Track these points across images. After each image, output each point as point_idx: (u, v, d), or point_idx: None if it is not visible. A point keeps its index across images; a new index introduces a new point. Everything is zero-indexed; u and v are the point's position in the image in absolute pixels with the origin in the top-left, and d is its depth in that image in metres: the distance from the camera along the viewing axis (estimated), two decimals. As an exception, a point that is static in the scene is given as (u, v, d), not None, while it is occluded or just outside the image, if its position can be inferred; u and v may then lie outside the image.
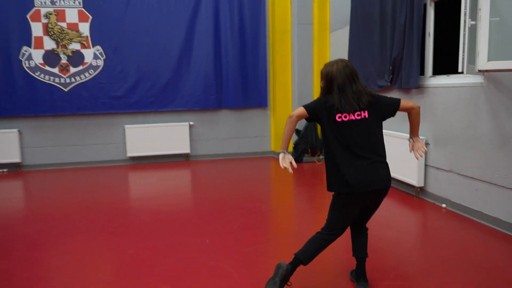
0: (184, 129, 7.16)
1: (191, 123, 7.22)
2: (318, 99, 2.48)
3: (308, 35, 6.99)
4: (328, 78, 2.43)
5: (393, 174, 4.66)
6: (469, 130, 3.89)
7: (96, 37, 6.74)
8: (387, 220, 3.96)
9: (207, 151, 7.41)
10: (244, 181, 5.78)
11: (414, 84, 4.50)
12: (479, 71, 2.88)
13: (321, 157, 6.93)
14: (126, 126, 6.96)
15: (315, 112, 2.41)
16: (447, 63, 4.86)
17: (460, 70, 3.09)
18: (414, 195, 4.66)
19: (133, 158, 7.10)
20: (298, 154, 6.91)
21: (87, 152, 6.97)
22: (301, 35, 6.95)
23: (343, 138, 2.37)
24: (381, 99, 2.47)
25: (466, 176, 3.96)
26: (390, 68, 4.89)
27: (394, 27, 4.83)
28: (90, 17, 6.67)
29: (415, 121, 2.66)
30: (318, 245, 2.49)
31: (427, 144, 4.47)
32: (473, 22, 2.99)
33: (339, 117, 2.36)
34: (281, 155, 2.52)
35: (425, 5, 4.47)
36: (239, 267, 2.96)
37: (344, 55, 6.46)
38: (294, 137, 7.18)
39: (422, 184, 4.53)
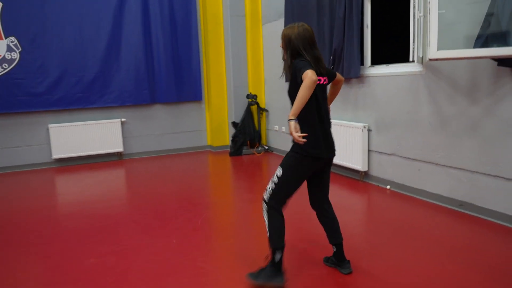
0: (116, 126, 6.75)
1: (123, 119, 6.83)
2: (303, 61, 2.32)
3: (241, 27, 6.99)
4: (292, 40, 2.39)
5: (338, 160, 4.92)
6: (410, 115, 4.20)
7: (9, 26, 6.03)
8: (335, 204, 4.13)
9: (141, 149, 7.08)
10: (186, 177, 5.60)
11: (355, 74, 4.73)
12: (430, 59, 3.12)
13: (259, 148, 7.01)
14: (50, 125, 6.35)
15: None
16: (384, 53, 5.19)
17: (411, 59, 3.32)
18: (359, 179, 4.93)
19: (60, 160, 6.52)
20: (237, 147, 6.90)
21: (6, 156, 6.25)
22: (234, 26, 6.92)
23: (316, 101, 2.41)
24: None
25: (408, 158, 4.28)
26: (331, 58, 5.08)
27: (333, 19, 5.02)
28: (0, 3, 5.94)
29: (336, 92, 2.78)
30: (279, 223, 2.45)
31: (369, 130, 4.75)
32: (421, 14, 3.22)
33: (318, 80, 2.38)
34: (293, 123, 2.19)
35: (362, -1, 4.71)
36: (217, 264, 2.88)
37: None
38: (232, 130, 7.17)
39: (366, 169, 4.80)
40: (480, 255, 2.85)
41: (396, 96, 4.36)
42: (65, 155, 6.46)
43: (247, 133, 6.96)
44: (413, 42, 3.25)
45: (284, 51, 2.48)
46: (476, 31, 3.11)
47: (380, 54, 5.06)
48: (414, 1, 3.19)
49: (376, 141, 4.70)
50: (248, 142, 6.99)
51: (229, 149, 7.34)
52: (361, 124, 4.73)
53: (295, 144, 2.38)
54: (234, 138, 6.96)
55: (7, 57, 6.05)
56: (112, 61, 6.64)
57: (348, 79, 5.01)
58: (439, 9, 2.99)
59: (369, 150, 4.80)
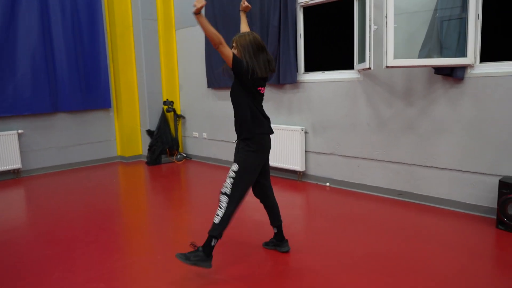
0: (12, 139, 5.80)
1: (19, 131, 5.91)
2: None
3: (153, 31, 6.72)
4: (244, 46, 2.70)
5: (275, 163, 5.14)
6: (348, 118, 4.65)
7: None
8: (282, 201, 4.38)
9: (42, 164, 6.22)
10: (97, 195, 5.03)
11: (292, 80, 5.01)
12: (387, 67, 3.54)
13: (179, 156, 6.82)
14: None
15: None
16: (316, 61, 5.60)
17: (367, 66, 3.70)
18: (297, 180, 5.22)
19: None
20: (155, 156, 6.59)
21: None
22: (146, 31, 6.62)
23: (252, 104, 2.80)
24: None
25: (347, 156, 4.72)
26: (264, 65, 5.27)
27: (265, 27, 5.23)
28: None
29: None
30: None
31: (306, 133, 5.08)
32: (375, 27, 3.64)
33: (259, 89, 2.78)
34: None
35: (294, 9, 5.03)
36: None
37: (193, 53, 6.56)
38: (145, 138, 6.84)
39: (304, 169, 5.12)
40: (418, 231, 3.41)
41: (333, 101, 4.77)
42: None
43: (165, 141, 6.70)
44: (369, 51, 3.66)
45: (239, 55, 2.72)
46: (418, 44, 3.65)
47: (312, 62, 5.44)
48: (369, 15, 3.59)
49: (313, 142, 5.05)
50: (168, 150, 6.73)
51: (143, 159, 6.96)
52: (299, 127, 5.03)
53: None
54: (151, 147, 6.63)
55: None
56: (4, 65, 5.70)
57: (281, 85, 5.28)
58: (394, 23, 3.43)
59: (306, 151, 5.12)
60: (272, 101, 5.42)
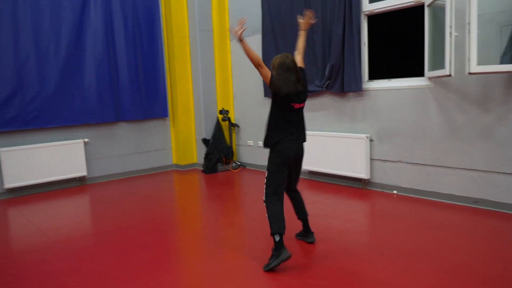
0: (78, 147, 6.03)
1: (85, 140, 6.13)
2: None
3: (209, 42, 6.88)
4: (273, 66, 3.08)
5: (339, 171, 5.16)
6: (417, 125, 4.64)
7: (-50, 33, 5.04)
8: (340, 213, 4.38)
9: (105, 172, 6.42)
10: (160, 204, 5.17)
11: (357, 88, 5.05)
12: (470, 73, 3.54)
13: (234, 164, 6.91)
14: (0, 149, 5.41)
15: None
16: (380, 69, 5.64)
17: (448, 73, 3.71)
18: (362, 187, 5.22)
19: (13, 190, 5.58)
20: (212, 165, 6.71)
21: None
22: (202, 41, 6.79)
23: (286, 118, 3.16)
24: None
25: (416, 163, 4.70)
26: (326, 74, 5.33)
27: (327, 37, 5.30)
28: None
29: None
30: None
31: (371, 140, 5.09)
32: (456, 34, 3.65)
33: (292, 105, 3.10)
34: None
35: (358, 19, 5.07)
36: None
37: (248, 63, 6.62)
38: (200, 147, 6.97)
39: (368, 177, 5.11)
40: (502, 240, 3.32)
41: (400, 108, 4.77)
42: (19, 183, 5.55)
43: (221, 149, 6.82)
44: (450, 57, 3.66)
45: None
46: (494, 49, 3.63)
47: (375, 70, 5.47)
48: (450, 21, 3.60)
49: (378, 150, 5.04)
50: (223, 158, 6.84)
51: (197, 167, 7.09)
52: (363, 135, 5.04)
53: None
54: (208, 155, 6.76)
55: None
56: (72, 75, 5.96)
57: (344, 94, 5.31)
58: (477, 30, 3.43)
59: (371, 159, 5.12)
60: (334, 109, 5.46)
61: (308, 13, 3.39)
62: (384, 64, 6.21)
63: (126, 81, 6.47)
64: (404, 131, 4.78)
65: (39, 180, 5.69)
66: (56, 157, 5.82)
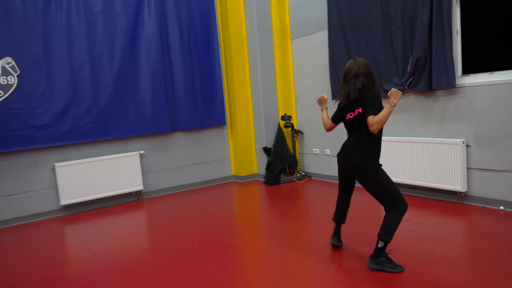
0: (134, 160, 5.68)
1: (141, 152, 5.78)
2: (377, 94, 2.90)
3: (268, 43, 6.33)
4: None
5: (428, 183, 4.39)
6: (532, 126, 3.77)
7: (4, 44, 4.84)
8: (432, 234, 3.57)
9: (161, 185, 6.03)
10: (222, 220, 4.69)
11: (450, 84, 4.26)
12: None
13: (299, 175, 6.28)
14: (56, 164, 5.16)
15: None
16: (480, 61, 4.76)
17: None
18: (457, 202, 4.40)
19: (69, 207, 5.31)
20: (274, 176, 6.12)
21: (1, 207, 4.93)
22: (261, 42, 6.25)
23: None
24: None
25: (532, 173, 3.83)
26: (409, 70, 4.58)
27: (410, 26, 4.56)
28: (-9, 16, 4.78)
29: None
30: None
31: (467, 146, 4.26)
32: None
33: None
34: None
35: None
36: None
37: (312, 63, 6.05)
38: (261, 156, 6.41)
39: (465, 189, 4.29)
40: None
41: (507, 106, 3.92)
42: (75, 200, 5.27)
43: (284, 158, 6.22)
44: None
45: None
46: None
47: (471, 62, 4.63)
48: None
49: (478, 157, 4.21)
50: (287, 169, 6.24)
51: (258, 178, 6.54)
52: (458, 140, 4.23)
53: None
54: (270, 165, 6.18)
55: (2, 82, 4.84)
56: (127, 84, 5.63)
57: (430, 92, 4.53)
58: None
59: (468, 168, 4.29)
60: (419, 110, 4.69)
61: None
62: (483, 54, 5.24)
63: (181, 89, 6.06)
64: (511, 134, 3.92)
65: (94, 196, 5.39)
66: (111, 171, 5.50)
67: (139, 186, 5.71)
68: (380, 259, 2.84)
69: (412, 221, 3.92)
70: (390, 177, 2.93)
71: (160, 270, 3.24)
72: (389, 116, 2.76)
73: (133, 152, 5.68)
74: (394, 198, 2.81)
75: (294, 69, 6.45)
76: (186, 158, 6.25)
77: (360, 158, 2.90)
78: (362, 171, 2.91)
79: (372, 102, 2.79)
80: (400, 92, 2.77)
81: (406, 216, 4.04)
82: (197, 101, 6.20)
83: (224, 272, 3.12)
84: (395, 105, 2.76)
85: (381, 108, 2.80)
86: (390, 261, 2.85)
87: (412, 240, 3.41)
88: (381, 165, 2.96)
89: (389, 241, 2.84)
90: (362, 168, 2.90)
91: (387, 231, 2.82)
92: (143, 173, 5.81)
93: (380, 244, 2.85)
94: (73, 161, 5.26)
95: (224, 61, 6.47)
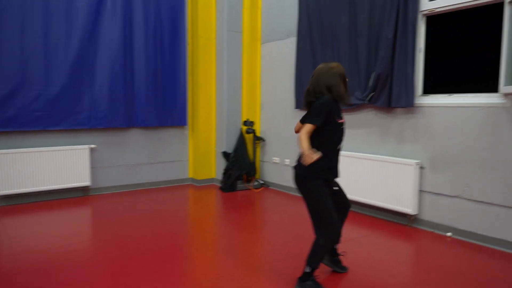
0: (83, 154, 5.39)
1: (92, 146, 5.50)
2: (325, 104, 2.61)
3: (237, 45, 6.14)
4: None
5: (380, 202, 4.27)
6: (486, 152, 3.67)
7: None
8: (377, 255, 3.43)
9: (112, 182, 5.75)
10: (173, 224, 4.49)
11: (408, 103, 4.14)
12: None
13: (256, 183, 6.09)
14: (-4, 151, 4.84)
15: None
16: (440, 81, 4.67)
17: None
18: (406, 224, 4.27)
19: (6, 197, 4.98)
20: (231, 181, 5.91)
21: None
22: (230, 43, 6.06)
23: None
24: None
25: (481, 201, 3.72)
26: (370, 84, 4.45)
27: (375, 40, 4.43)
28: None
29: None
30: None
31: (421, 167, 4.14)
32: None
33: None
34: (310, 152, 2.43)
35: (414, 20, 4.18)
36: None
37: (280, 70, 5.88)
38: (220, 160, 6.20)
39: (416, 212, 4.16)
40: None
41: (463, 130, 3.82)
42: (13, 190, 4.94)
43: (242, 165, 6.02)
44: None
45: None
46: None
47: (433, 82, 4.53)
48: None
49: (431, 180, 4.10)
50: (245, 176, 6.04)
51: (215, 183, 6.33)
52: (412, 161, 4.11)
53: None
54: (227, 171, 5.97)
55: None
56: (83, 74, 5.34)
57: (390, 109, 4.41)
58: None
59: (420, 191, 4.18)
60: (378, 127, 4.56)
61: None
62: (443, 75, 5.18)
63: (142, 84, 5.80)
64: (466, 159, 3.81)
65: (36, 188, 5.07)
66: (57, 163, 5.20)
67: (86, 182, 5.42)
68: (307, 282, 2.66)
69: (358, 242, 3.77)
70: (328, 199, 2.62)
71: (81, 277, 2.98)
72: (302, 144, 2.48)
73: (83, 146, 5.39)
74: (320, 221, 2.59)
75: (262, 74, 6.28)
76: (142, 156, 5.99)
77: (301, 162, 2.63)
78: (298, 176, 2.65)
79: (313, 109, 2.58)
80: (310, 159, 2.39)
81: (352, 235, 3.91)
82: (157, 98, 5.96)
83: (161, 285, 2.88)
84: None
85: (318, 117, 2.52)
86: (317, 285, 2.66)
87: (353, 264, 3.23)
88: (329, 181, 2.72)
89: (316, 267, 2.66)
90: (299, 173, 2.64)
91: (312, 258, 2.64)
92: (93, 168, 5.53)
93: (307, 269, 2.67)
94: (15, 150, 4.94)
95: (191, 59, 6.26)
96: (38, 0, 4.97)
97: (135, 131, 5.90)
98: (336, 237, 2.66)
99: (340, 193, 2.91)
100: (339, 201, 2.86)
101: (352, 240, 3.79)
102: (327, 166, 2.63)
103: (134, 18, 5.66)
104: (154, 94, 5.92)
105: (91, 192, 5.56)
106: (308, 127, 2.51)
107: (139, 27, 5.71)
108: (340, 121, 2.66)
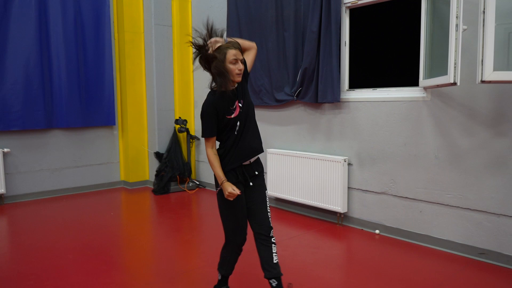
0: (-5, 159, 4.91)
1: (5, 150, 5.02)
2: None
3: (167, 39, 5.83)
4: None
5: (310, 201, 4.15)
6: (408, 148, 3.61)
7: None
8: (308, 254, 3.31)
9: (32, 189, 5.30)
10: (97, 231, 4.19)
11: (334, 98, 4.01)
12: (483, 82, 2.53)
13: (191, 184, 5.82)
14: None
15: None
16: (365, 76, 4.59)
17: (452, 81, 2.69)
18: (337, 223, 4.16)
19: None
20: (164, 183, 5.61)
21: None
22: (159, 38, 5.74)
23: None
24: None
25: (406, 197, 3.66)
26: (298, 79, 4.30)
27: (301, 33, 4.28)
28: None
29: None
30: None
31: (349, 164, 4.05)
32: (465, 27, 2.63)
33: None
34: (227, 185, 2.14)
35: (338, 12, 4.06)
36: None
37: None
38: (153, 161, 5.89)
39: (345, 210, 4.06)
40: None
41: (387, 125, 3.74)
42: None
43: (175, 166, 5.73)
44: (455, 60, 2.63)
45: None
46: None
47: (359, 77, 4.44)
48: (457, 11, 2.58)
49: (358, 177, 4.00)
50: (178, 177, 5.75)
51: (149, 186, 6.01)
52: (340, 157, 4.00)
53: None
54: (159, 172, 5.66)
55: None
56: (-8, 70, 4.87)
57: (318, 105, 4.28)
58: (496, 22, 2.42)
59: (349, 188, 4.08)
60: (307, 124, 4.43)
61: None
62: (368, 69, 5.13)
63: (62, 81, 5.38)
64: (391, 155, 3.74)
65: None
66: (-36, 170, 4.70)
67: (1, 189, 4.94)
68: None
69: (284, 244, 3.60)
70: (232, 208, 2.28)
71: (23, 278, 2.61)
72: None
73: (-5, 150, 4.92)
74: (224, 229, 2.40)
75: (195, 70, 6.00)
76: (66, 160, 5.57)
77: None
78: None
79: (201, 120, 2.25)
80: (233, 196, 2.12)
81: (279, 237, 3.74)
82: (81, 96, 5.55)
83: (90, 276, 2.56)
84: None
85: (207, 128, 2.21)
86: None
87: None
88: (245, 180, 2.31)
89: (223, 274, 2.46)
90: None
91: (220, 264, 2.47)
92: (7, 174, 5.06)
93: (219, 276, 2.48)
94: None
95: (118, 55, 5.88)
96: None
97: (56, 132, 5.46)
98: (238, 245, 2.39)
99: (255, 195, 2.38)
100: (251, 207, 2.36)
101: (279, 242, 3.61)
102: (232, 171, 2.26)
103: (50, 8, 5.21)
104: (77, 92, 5.51)
105: (5, 200, 5.08)
106: (207, 143, 2.23)
107: (56, 19, 5.27)
108: (229, 116, 2.22)
